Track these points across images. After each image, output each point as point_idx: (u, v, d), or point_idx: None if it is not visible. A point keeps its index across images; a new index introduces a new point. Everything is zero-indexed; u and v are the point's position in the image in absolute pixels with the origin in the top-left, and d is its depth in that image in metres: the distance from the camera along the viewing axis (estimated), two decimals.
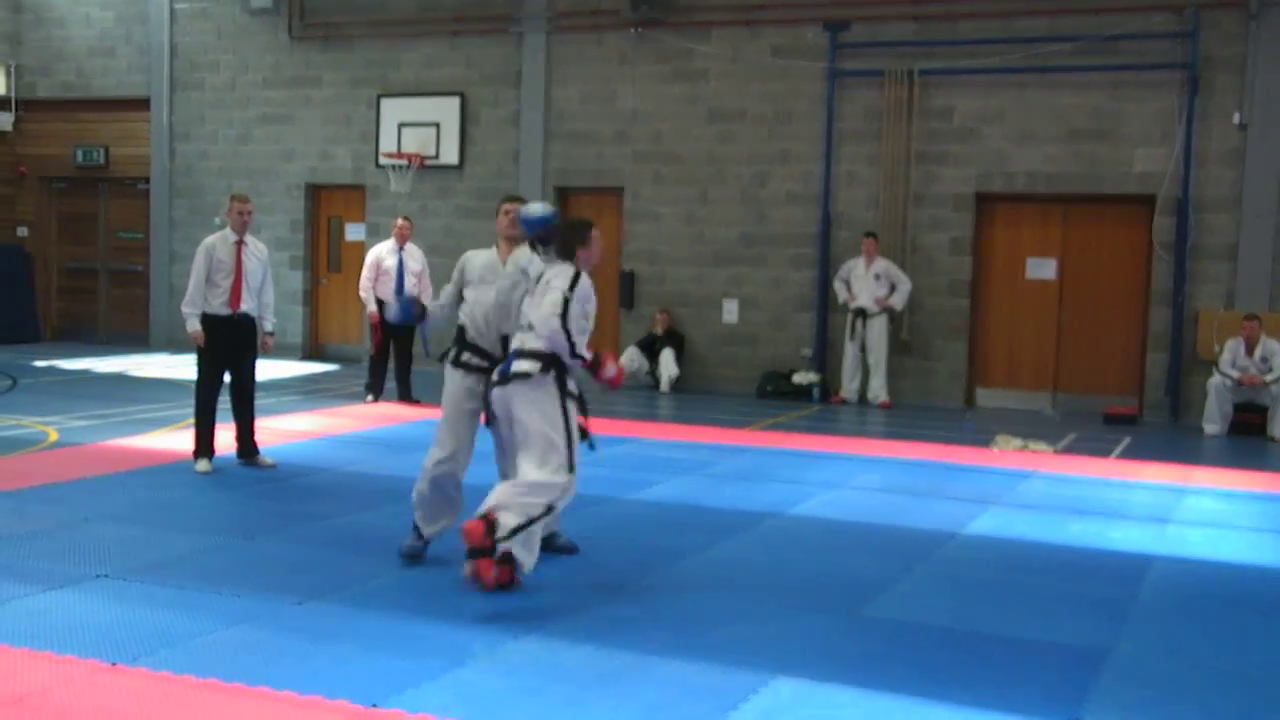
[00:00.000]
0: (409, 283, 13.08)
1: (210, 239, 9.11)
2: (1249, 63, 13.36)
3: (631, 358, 15.42)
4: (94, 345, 18.92)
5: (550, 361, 6.05)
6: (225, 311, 9.00)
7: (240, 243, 9.07)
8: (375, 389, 13.20)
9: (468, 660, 5.05)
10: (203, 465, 9.01)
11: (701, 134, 15.58)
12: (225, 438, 9.25)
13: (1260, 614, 6.16)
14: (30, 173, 19.55)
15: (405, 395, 13.19)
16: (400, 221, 13.33)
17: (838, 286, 14.59)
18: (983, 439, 11.71)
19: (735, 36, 15.38)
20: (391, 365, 13.24)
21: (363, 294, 13.21)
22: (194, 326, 8.97)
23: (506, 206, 6.81)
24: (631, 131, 15.89)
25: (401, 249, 13.15)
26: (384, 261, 13.11)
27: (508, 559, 5.92)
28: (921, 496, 8.93)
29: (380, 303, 13.01)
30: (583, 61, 16.11)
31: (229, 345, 9.09)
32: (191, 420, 9.20)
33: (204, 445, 9.08)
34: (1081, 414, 13.89)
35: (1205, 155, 13.58)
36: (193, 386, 9.19)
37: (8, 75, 19.29)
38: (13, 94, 19.34)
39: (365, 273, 13.18)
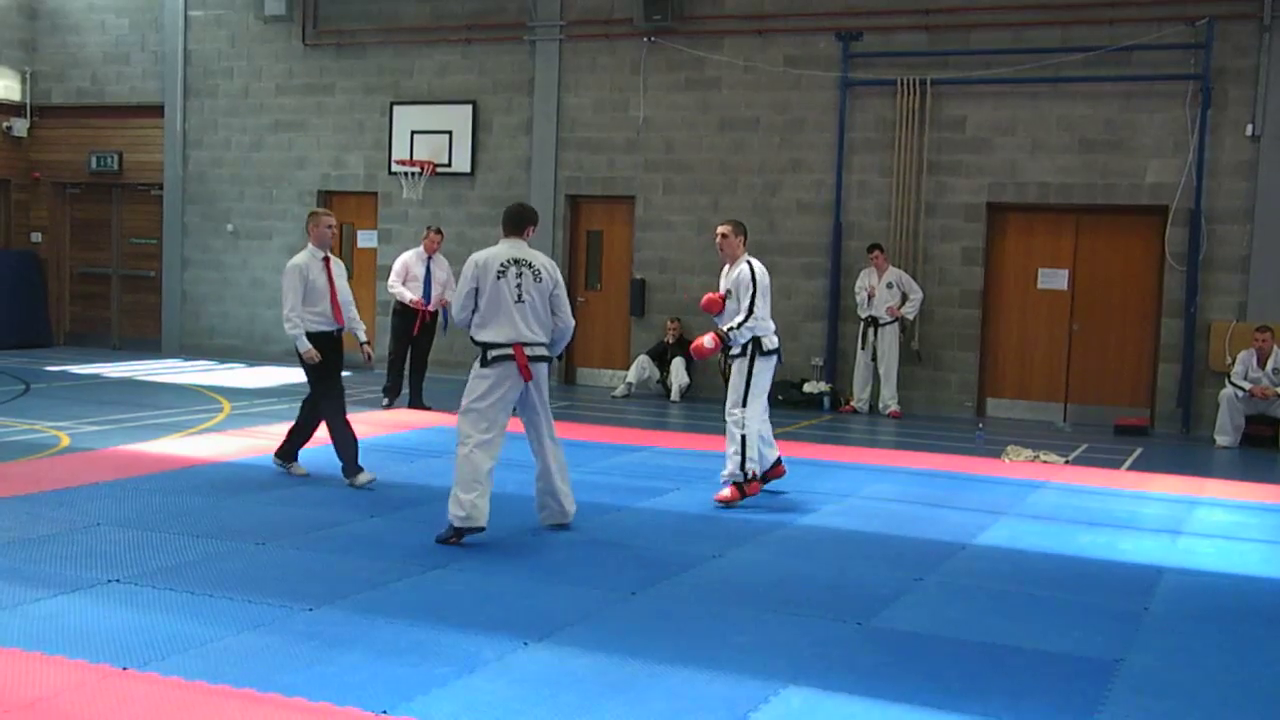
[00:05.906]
0: (435, 290, 13.23)
1: (299, 259, 8.92)
2: (1262, 74, 13.33)
3: (642, 366, 15.45)
4: (106, 350, 18.98)
5: None
6: (331, 328, 9.07)
7: (327, 259, 9.00)
8: (392, 392, 13.30)
9: (478, 668, 5.05)
10: (298, 469, 9.25)
11: (713, 143, 15.59)
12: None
13: (1271, 625, 6.15)
14: (44, 178, 19.62)
15: (417, 402, 13.23)
16: (432, 234, 13.51)
17: (859, 298, 14.51)
18: (994, 449, 11.69)
19: (747, 45, 15.39)
20: (406, 371, 13.32)
21: (393, 290, 13.40)
22: (306, 345, 8.96)
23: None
24: (643, 140, 15.90)
25: (430, 259, 13.35)
26: (412, 269, 13.36)
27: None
28: (932, 507, 8.91)
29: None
30: (595, 70, 16.14)
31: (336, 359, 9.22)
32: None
33: (296, 450, 9.29)
34: (1093, 425, 13.86)
35: (1218, 167, 13.56)
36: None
37: (23, 81, 19.38)
38: (28, 100, 19.43)
39: (394, 276, 13.42)
